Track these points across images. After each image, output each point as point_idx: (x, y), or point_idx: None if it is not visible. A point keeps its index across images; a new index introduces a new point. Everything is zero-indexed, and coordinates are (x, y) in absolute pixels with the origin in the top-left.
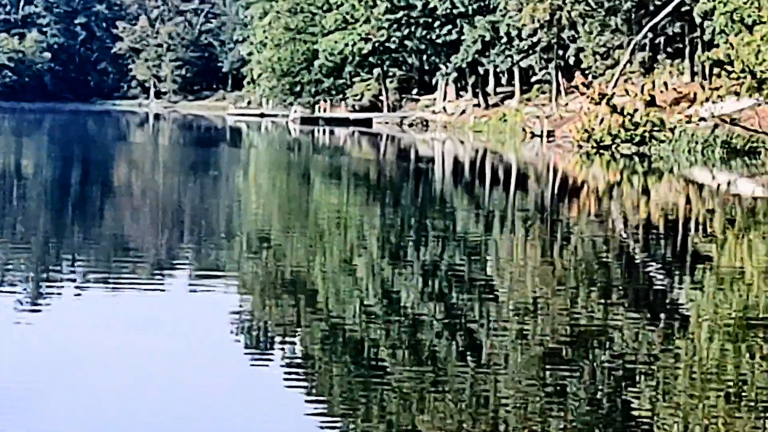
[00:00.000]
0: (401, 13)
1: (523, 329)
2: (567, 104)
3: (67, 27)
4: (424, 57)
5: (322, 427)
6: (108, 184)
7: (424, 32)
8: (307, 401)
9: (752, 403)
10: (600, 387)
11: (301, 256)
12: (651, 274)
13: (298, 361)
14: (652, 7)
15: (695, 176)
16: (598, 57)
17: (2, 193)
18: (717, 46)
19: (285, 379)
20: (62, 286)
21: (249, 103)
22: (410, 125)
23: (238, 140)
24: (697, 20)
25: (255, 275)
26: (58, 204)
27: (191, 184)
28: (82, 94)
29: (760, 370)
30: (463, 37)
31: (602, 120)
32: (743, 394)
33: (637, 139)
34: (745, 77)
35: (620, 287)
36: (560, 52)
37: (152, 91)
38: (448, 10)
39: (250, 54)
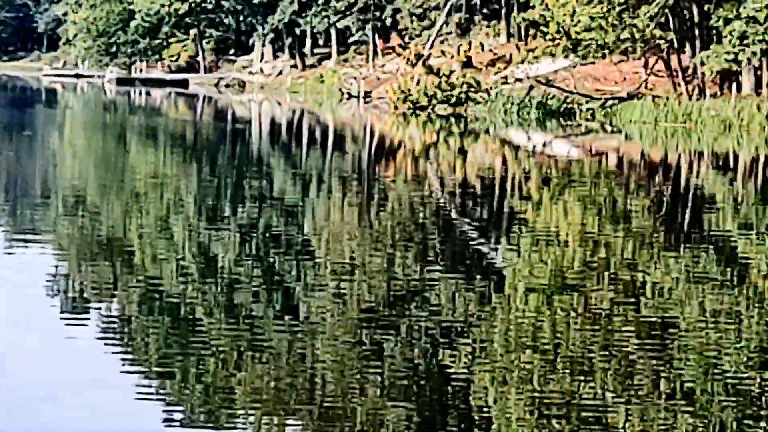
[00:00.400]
0: None
1: (340, 290)
2: (384, 65)
3: None
4: (241, 17)
5: (138, 386)
6: None
7: None
8: (123, 362)
9: (567, 363)
10: (417, 347)
11: (118, 218)
12: (467, 235)
13: (115, 323)
14: None
15: (511, 137)
16: (414, 18)
17: None
18: (533, 7)
19: (101, 341)
20: None
21: (65, 63)
22: (227, 86)
23: (54, 101)
24: None
25: (70, 237)
26: None
27: (4, 144)
28: None
29: (575, 330)
30: None
31: (419, 81)
32: (558, 353)
33: (454, 100)
34: (560, 38)
35: (437, 248)
36: (377, 13)
37: None
38: None
39: (65, 14)
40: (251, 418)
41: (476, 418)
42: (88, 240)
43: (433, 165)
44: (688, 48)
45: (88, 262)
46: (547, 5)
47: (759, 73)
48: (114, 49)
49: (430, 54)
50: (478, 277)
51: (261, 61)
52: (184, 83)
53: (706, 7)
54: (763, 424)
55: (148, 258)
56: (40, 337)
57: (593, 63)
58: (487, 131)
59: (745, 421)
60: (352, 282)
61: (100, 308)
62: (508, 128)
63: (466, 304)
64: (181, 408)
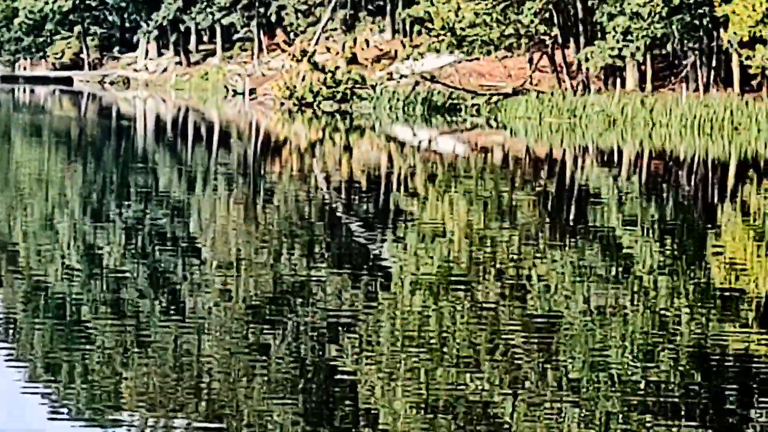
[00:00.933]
0: None
1: (226, 287)
2: (269, 62)
3: None
4: (125, 14)
5: (23, 384)
6: None
7: None
8: (7, 359)
9: (453, 357)
10: (303, 344)
11: (1, 215)
12: (353, 230)
13: None
14: None
15: (397, 133)
16: (299, 14)
17: None
18: (417, 3)
19: None
20: None
21: None
22: (111, 83)
23: None
24: None
25: None
26: None
27: None
28: None
29: (461, 325)
30: None
31: (304, 77)
32: (445, 348)
33: (339, 96)
34: (445, 34)
35: (323, 244)
36: (262, 10)
37: None
38: None
39: None
40: (136, 416)
41: (363, 413)
42: None
43: (319, 161)
44: (572, 44)
45: None
46: (431, 1)
47: (643, 68)
48: None
49: (315, 50)
50: (365, 272)
51: (145, 58)
52: (69, 81)
53: (589, 3)
54: (647, 416)
55: (33, 255)
56: None
57: (478, 59)
58: (372, 127)
59: (630, 414)
60: (238, 279)
61: None
62: (393, 124)
63: (353, 299)
64: (65, 405)
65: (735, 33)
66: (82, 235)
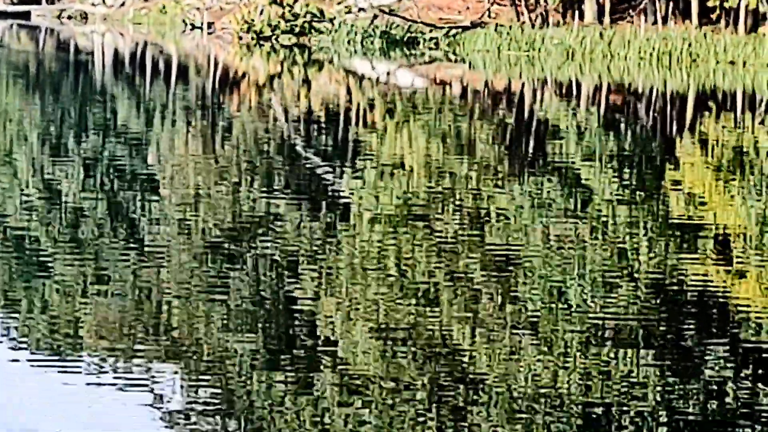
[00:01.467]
0: None
1: (186, 220)
2: None
3: None
4: None
5: None
6: None
7: None
8: None
9: (412, 291)
10: (263, 277)
11: None
12: (312, 164)
13: None
14: None
15: (355, 67)
16: None
17: None
18: None
19: None
20: None
21: None
22: (69, 18)
23: None
24: None
25: None
26: None
27: None
28: None
29: (420, 259)
30: None
31: (262, 11)
32: (404, 281)
33: (297, 30)
34: None
35: (282, 178)
36: None
37: None
38: None
39: None
40: (96, 349)
41: (322, 346)
42: None
43: (278, 95)
44: None
45: None
46: None
47: (601, 1)
48: None
49: None
50: (323, 206)
51: None
52: (26, 15)
53: None
54: (605, 349)
55: None
56: None
57: None
58: (331, 61)
59: (588, 346)
60: (196, 212)
61: None
62: (352, 58)
63: (312, 233)
64: (23, 341)
65: None
66: (40, 169)
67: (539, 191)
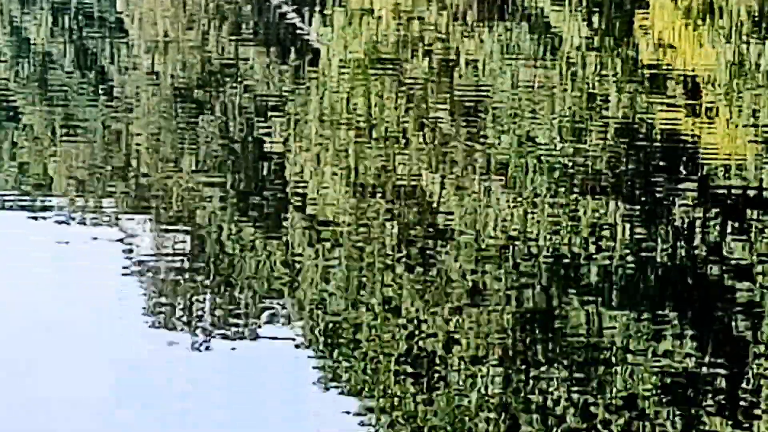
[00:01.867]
0: None
1: (153, 66)
2: None
3: None
4: None
5: None
6: None
7: None
8: None
9: (381, 138)
10: (232, 124)
11: None
12: (281, 10)
13: None
14: None
15: None
16: None
17: None
18: None
19: None
20: None
21: None
22: None
23: None
24: None
25: None
26: None
27: None
28: None
29: (389, 105)
30: None
31: None
32: (373, 128)
33: None
34: None
35: (250, 24)
36: None
37: None
38: None
39: None
40: (65, 198)
41: (291, 191)
42: None
43: None
44: None
45: None
46: None
47: None
48: None
49: None
50: (292, 52)
51: None
52: None
53: None
54: (574, 195)
55: None
56: None
57: None
58: None
59: (558, 191)
60: (165, 59)
61: None
62: None
63: (281, 80)
64: None
65: None
66: (8, 14)
67: (508, 36)
